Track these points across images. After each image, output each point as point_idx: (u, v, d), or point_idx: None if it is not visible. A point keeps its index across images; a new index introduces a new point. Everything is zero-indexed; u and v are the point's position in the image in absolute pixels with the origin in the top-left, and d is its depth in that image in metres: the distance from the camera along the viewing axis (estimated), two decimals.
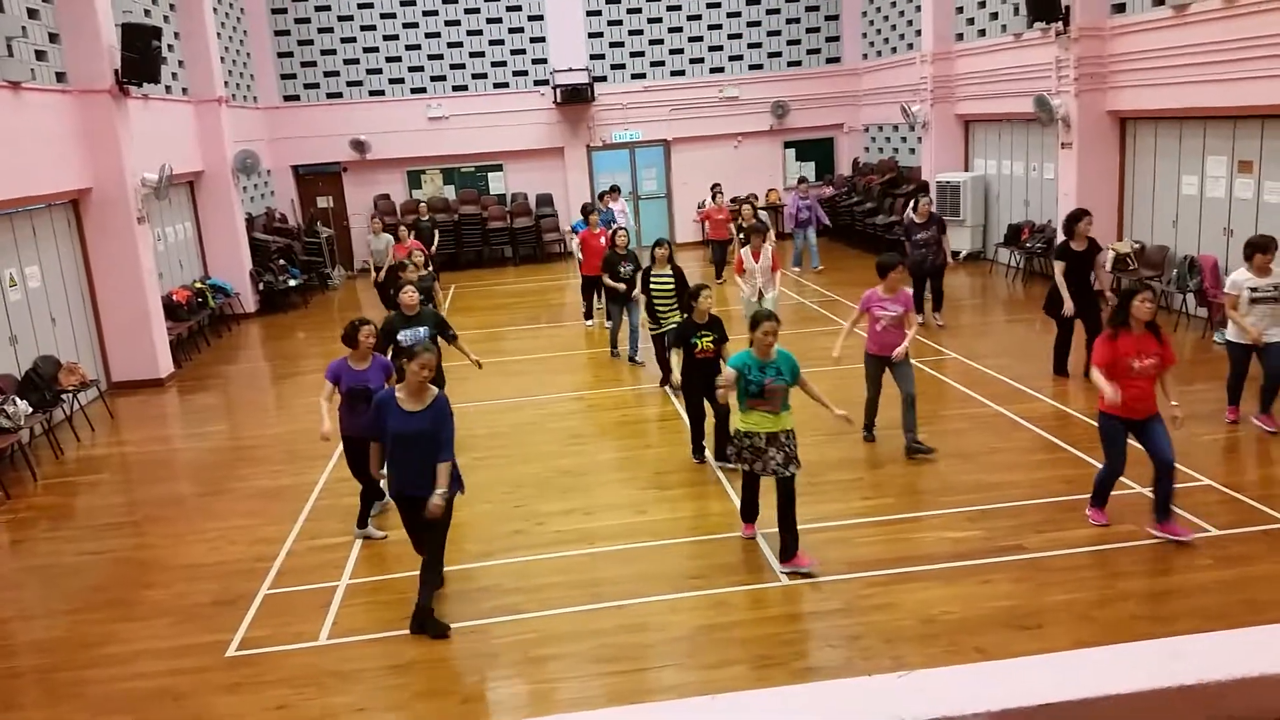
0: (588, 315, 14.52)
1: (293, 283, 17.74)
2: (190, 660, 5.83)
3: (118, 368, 12.60)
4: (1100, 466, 6.74)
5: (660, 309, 10.17)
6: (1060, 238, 10.51)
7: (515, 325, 15.09)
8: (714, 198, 17.51)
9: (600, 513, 7.57)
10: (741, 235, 13.47)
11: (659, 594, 6.22)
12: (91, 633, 6.28)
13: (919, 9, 18.44)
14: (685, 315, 8.36)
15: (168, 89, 15.08)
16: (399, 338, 8.01)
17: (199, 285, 15.56)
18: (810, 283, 16.35)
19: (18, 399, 9.61)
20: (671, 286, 10.12)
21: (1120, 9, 13.01)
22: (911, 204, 13.22)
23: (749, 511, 6.83)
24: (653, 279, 10.26)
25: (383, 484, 7.03)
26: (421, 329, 8.05)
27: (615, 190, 17.57)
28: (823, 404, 6.58)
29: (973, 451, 8.31)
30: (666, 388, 10.41)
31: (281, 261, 17.95)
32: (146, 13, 14.59)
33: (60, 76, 11.75)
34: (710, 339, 8.03)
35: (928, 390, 9.72)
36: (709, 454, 8.48)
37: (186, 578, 6.99)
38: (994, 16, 16.34)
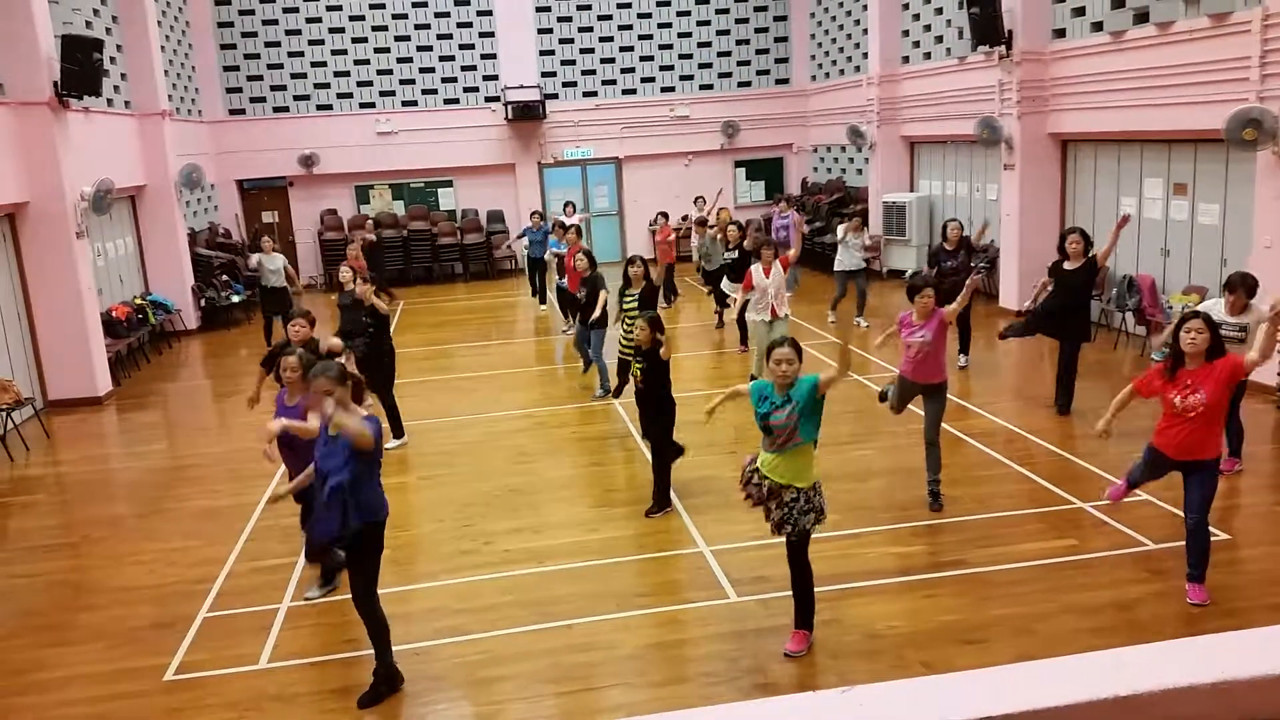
0: (542, 299, 14.31)
1: (236, 299, 17.47)
2: (127, 685, 5.68)
3: (54, 385, 12.29)
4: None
5: (632, 328, 9.56)
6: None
7: (465, 342, 14.99)
8: (657, 219, 17.44)
9: (549, 531, 7.52)
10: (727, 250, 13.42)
11: (608, 612, 6.19)
12: (22, 658, 6.08)
13: (865, 32, 18.75)
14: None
15: (110, 102, 14.81)
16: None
17: (139, 301, 15.26)
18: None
19: None
20: (635, 309, 9.59)
21: (1061, 34, 13.34)
22: (941, 229, 11.78)
23: (803, 613, 5.72)
24: (625, 298, 9.84)
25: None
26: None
27: (570, 206, 17.64)
28: (846, 361, 5.56)
29: (916, 468, 8.37)
30: (614, 399, 10.34)
31: (225, 277, 17.67)
32: (88, 24, 14.34)
33: None
34: (641, 366, 7.61)
35: (870, 407, 9.80)
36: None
37: (124, 600, 6.81)
38: (939, 40, 16.66)
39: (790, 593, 5.64)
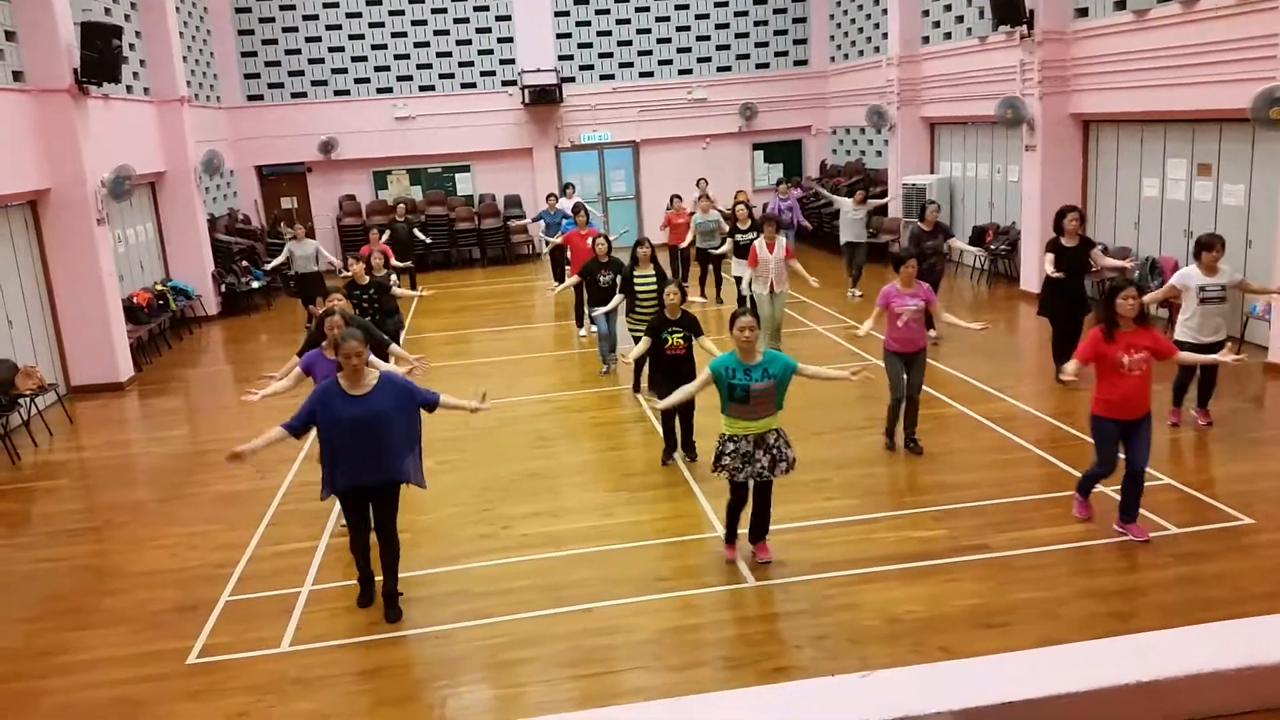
0: (579, 322, 13.81)
1: (255, 285, 17.55)
2: (150, 668, 5.74)
3: (77, 371, 12.39)
4: (1091, 466, 6.67)
5: (643, 310, 9.93)
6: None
7: (483, 327, 15.01)
8: (671, 202, 17.40)
9: (568, 516, 7.54)
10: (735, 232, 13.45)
11: (626, 597, 6.20)
12: (47, 642, 6.16)
13: (885, 12, 18.58)
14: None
15: (129, 89, 14.87)
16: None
17: (160, 287, 15.35)
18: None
19: None
20: (654, 286, 9.88)
21: (1083, 13, 13.17)
22: (919, 211, 12.95)
23: (731, 533, 6.54)
24: (635, 279, 10.08)
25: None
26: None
27: (570, 188, 17.83)
28: (835, 378, 6.51)
29: (937, 452, 8.36)
30: (638, 395, 10.33)
31: (244, 263, 17.76)
32: (107, 11, 14.37)
33: (18, 76, 11.54)
34: (680, 335, 8.03)
35: (886, 392, 9.75)
36: (678, 455, 8.49)
37: (146, 584, 6.88)
38: (959, 20, 16.49)
39: (802, 577, 5.64)
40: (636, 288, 10.06)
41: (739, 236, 13.42)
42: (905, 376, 8.20)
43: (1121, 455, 6.45)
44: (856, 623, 5.69)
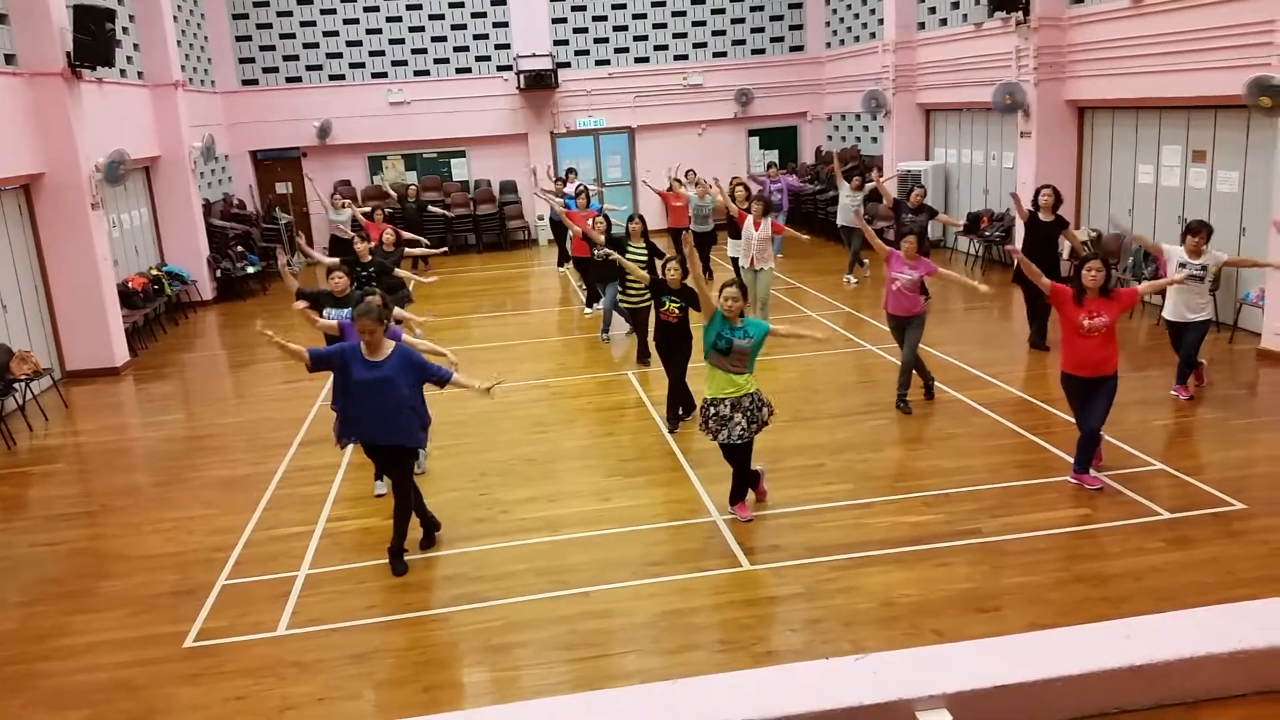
0: (588, 303, 14.15)
1: (251, 270, 17.52)
2: (148, 651, 5.76)
3: (72, 356, 12.38)
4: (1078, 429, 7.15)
5: (634, 285, 10.43)
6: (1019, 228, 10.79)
7: (480, 313, 15.01)
8: (670, 186, 17.41)
9: (564, 500, 7.57)
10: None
11: (622, 580, 6.24)
12: (45, 625, 6.18)
13: None
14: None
15: (123, 73, 14.80)
16: (325, 311, 7.94)
17: (155, 272, 15.31)
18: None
19: None
20: (645, 260, 10.32)
21: (1079, 0, 13.15)
22: (908, 189, 13.89)
23: (739, 490, 6.97)
24: (627, 252, 10.40)
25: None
26: (345, 310, 7.93)
27: (571, 173, 18.12)
28: (802, 335, 7.20)
29: (930, 437, 8.41)
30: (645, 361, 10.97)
31: (239, 248, 17.71)
32: None
33: (10, 59, 11.48)
34: (677, 305, 8.51)
35: (886, 377, 9.82)
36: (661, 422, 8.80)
37: (143, 568, 6.90)
38: (955, 5, 16.46)
39: (797, 561, 5.67)
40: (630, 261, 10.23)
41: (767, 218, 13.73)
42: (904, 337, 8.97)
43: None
44: (851, 606, 5.74)
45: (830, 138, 22.39)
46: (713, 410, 6.61)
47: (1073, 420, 7.42)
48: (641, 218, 10.90)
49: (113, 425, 10.63)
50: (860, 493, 7.32)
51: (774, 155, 22.70)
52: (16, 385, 10.46)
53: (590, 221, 11.82)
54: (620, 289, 10.90)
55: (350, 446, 7.82)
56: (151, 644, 5.84)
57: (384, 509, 7.53)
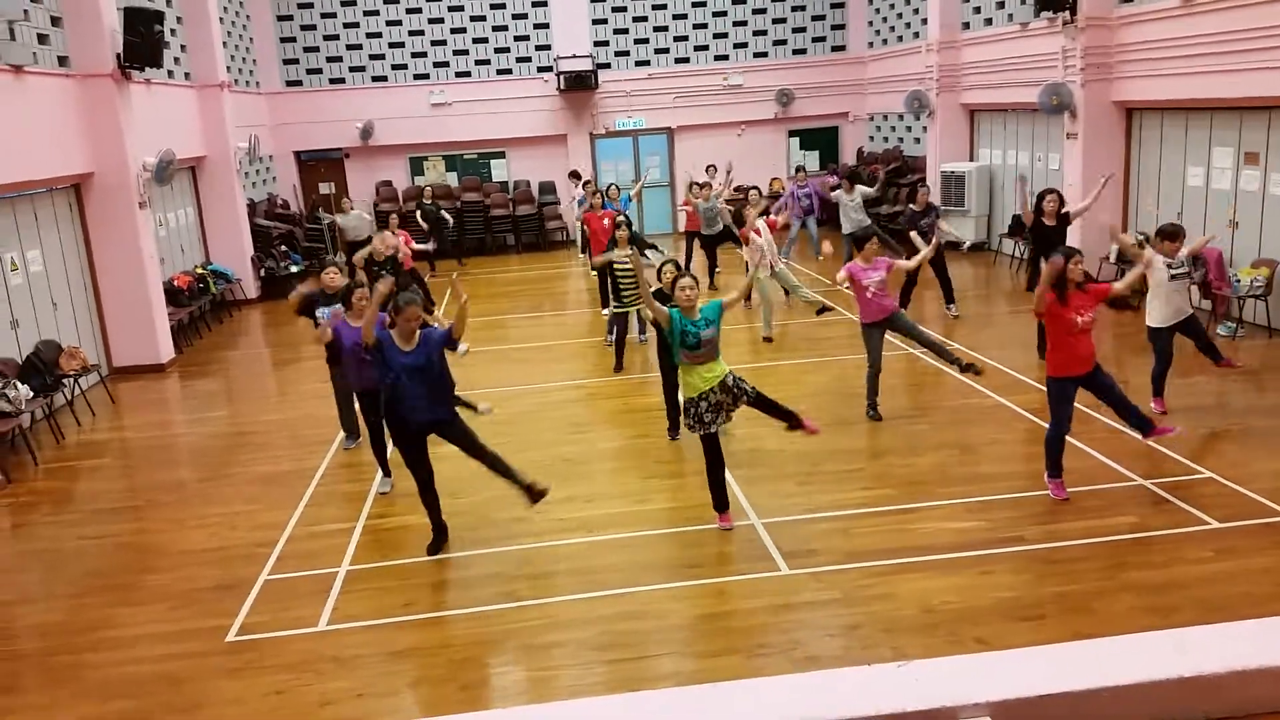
0: (604, 304, 14.00)
1: (294, 269, 17.72)
2: (190, 645, 5.84)
3: (119, 352, 12.60)
4: (1049, 432, 7.02)
5: (624, 288, 10.63)
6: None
7: (518, 313, 15.07)
8: (690, 188, 17.25)
9: (601, 501, 7.57)
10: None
11: (658, 582, 6.22)
12: (91, 617, 6.29)
13: None
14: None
15: (170, 74, 15.04)
16: (317, 312, 8.42)
17: (200, 271, 15.55)
18: (814, 271, 16.29)
19: (19, 383, 9.60)
20: (631, 267, 10.24)
21: None
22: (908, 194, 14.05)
23: (720, 499, 6.91)
24: (615, 259, 10.68)
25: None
26: (339, 305, 8.16)
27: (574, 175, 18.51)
28: (746, 287, 7.55)
29: (974, 443, 8.30)
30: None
31: (283, 248, 17.94)
32: None
33: (62, 60, 11.71)
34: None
35: (927, 380, 9.71)
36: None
37: (187, 563, 6.99)
38: (1000, 5, 16.26)
39: (836, 566, 5.62)
40: (616, 267, 10.67)
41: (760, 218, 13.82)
42: (883, 348, 8.87)
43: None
44: (890, 613, 5.67)
45: (872, 138, 22.22)
46: (703, 404, 6.62)
47: (1127, 428, 7.27)
48: (628, 223, 11.17)
49: (158, 421, 10.80)
50: (900, 498, 7.24)
51: (814, 156, 22.58)
52: (65, 381, 10.66)
53: (606, 222, 11.98)
54: (614, 292, 11.03)
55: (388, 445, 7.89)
56: (194, 637, 5.92)
57: (422, 506, 7.58)
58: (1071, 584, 5.88)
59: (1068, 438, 7.06)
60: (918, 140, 19.81)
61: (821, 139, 22.67)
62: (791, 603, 5.89)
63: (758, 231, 11.71)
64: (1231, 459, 7.69)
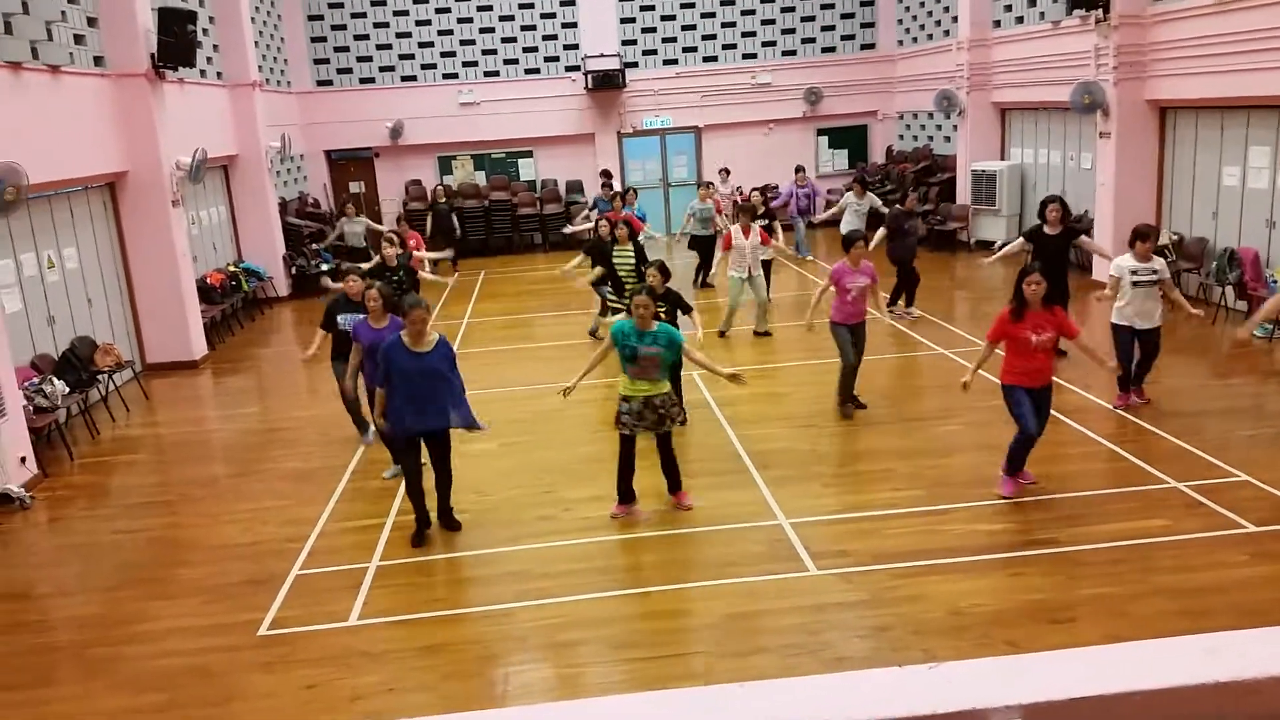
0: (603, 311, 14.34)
1: (325, 267, 17.86)
2: (222, 639, 5.90)
3: (152, 349, 12.76)
4: (1014, 438, 7.06)
5: (625, 285, 10.88)
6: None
7: (544, 312, 15.10)
8: (708, 187, 17.11)
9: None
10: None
11: (686, 581, 6.22)
12: (126, 610, 6.37)
13: None
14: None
15: (203, 73, 15.20)
16: (338, 319, 8.58)
17: (233, 268, 15.71)
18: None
19: (55, 379, 9.75)
20: (632, 264, 10.82)
21: None
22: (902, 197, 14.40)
23: (623, 492, 7.19)
24: (615, 255, 10.94)
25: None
26: (361, 314, 8.20)
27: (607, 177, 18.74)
28: (712, 369, 7.18)
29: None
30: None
31: (314, 246, 18.08)
32: None
33: (98, 60, 11.87)
34: (664, 309, 8.40)
35: (956, 381, 9.61)
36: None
37: (219, 557, 7.07)
38: (1032, 3, 16.12)
39: (865, 567, 5.60)
40: (616, 264, 11.00)
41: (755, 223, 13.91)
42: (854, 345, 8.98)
43: None
44: (920, 615, 5.64)
45: (901, 137, 22.09)
46: (625, 406, 6.92)
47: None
48: (627, 223, 11.45)
49: (191, 417, 10.93)
50: (930, 499, 7.20)
51: (843, 155, 22.49)
52: (100, 377, 10.80)
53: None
54: (612, 289, 11.25)
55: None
56: (226, 631, 5.98)
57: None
58: (1103, 587, 5.82)
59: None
60: (948, 139, 19.67)
61: (850, 137, 22.56)
62: (820, 603, 5.87)
63: (744, 233, 11.83)
64: (1267, 462, 7.58)
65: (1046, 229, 10.04)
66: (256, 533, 7.46)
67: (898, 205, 13.18)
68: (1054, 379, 8.95)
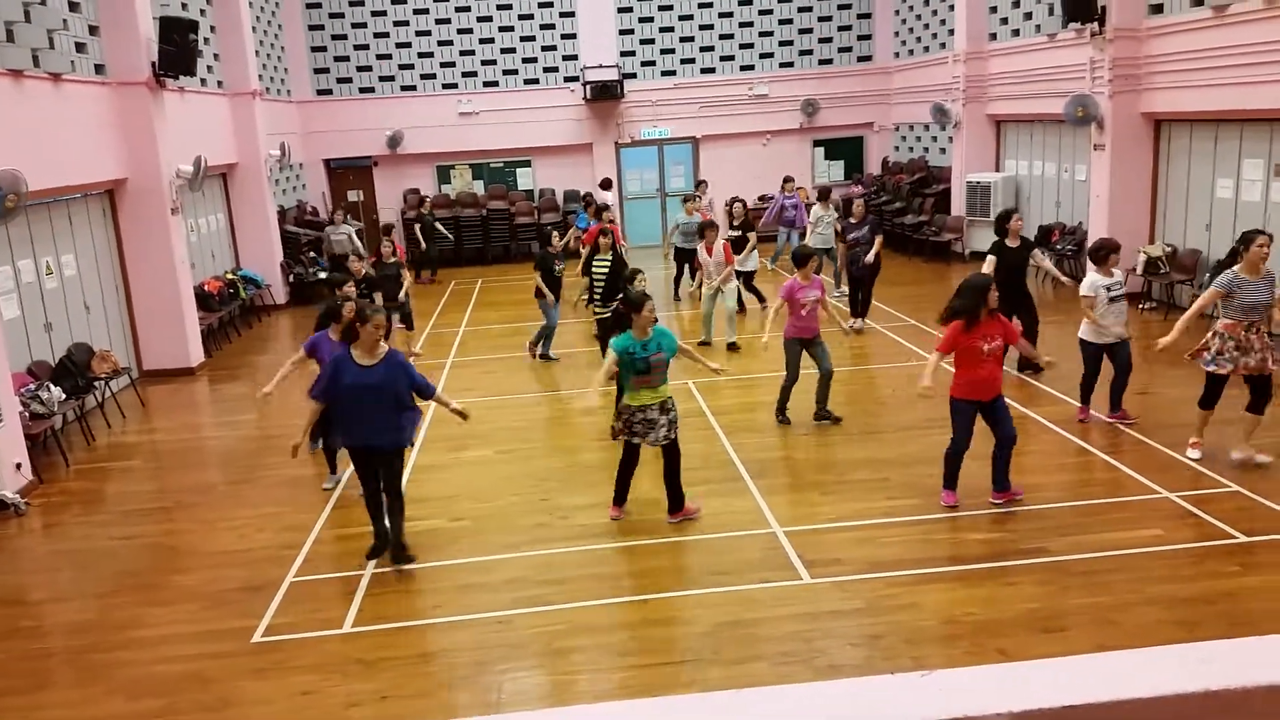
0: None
1: (323, 275, 17.87)
2: (217, 645, 5.91)
3: (149, 356, 12.77)
4: (949, 448, 7.19)
5: (599, 292, 10.93)
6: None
7: (540, 320, 15.09)
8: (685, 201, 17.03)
9: (624, 507, 7.58)
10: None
11: (682, 589, 6.24)
12: (122, 616, 6.38)
13: (952, 8, 18.32)
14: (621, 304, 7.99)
15: (203, 82, 15.24)
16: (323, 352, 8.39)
17: (230, 276, 15.73)
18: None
19: (51, 385, 9.76)
20: (607, 272, 10.83)
21: (1158, 9, 12.87)
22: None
23: (620, 495, 7.28)
24: (595, 264, 11.01)
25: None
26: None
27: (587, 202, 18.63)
28: (700, 361, 7.46)
29: None
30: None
31: (312, 254, 18.11)
32: (184, 5, 14.76)
33: (99, 68, 11.91)
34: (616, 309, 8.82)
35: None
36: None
37: (215, 564, 7.08)
38: (1028, 16, 16.22)
39: (859, 575, 5.62)
40: (594, 272, 11.02)
41: (730, 234, 14.17)
42: (801, 361, 9.03)
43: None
44: (913, 623, 5.67)
45: (897, 148, 22.19)
46: (640, 416, 6.88)
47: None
48: (609, 230, 11.52)
49: (187, 424, 10.94)
50: (925, 508, 7.23)
51: (839, 166, 22.58)
52: (97, 383, 10.81)
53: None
54: (590, 297, 11.30)
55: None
56: (222, 638, 5.99)
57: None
58: (1095, 596, 5.85)
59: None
60: (943, 150, 19.77)
61: (847, 149, 22.65)
62: (814, 611, 5.89)
63: (708, 250, 12.08)
64: (1259, 472, 7.62)
65: (1008, 241, 10.15)
66: (252, 539, 7.47)
67: (849, 219, 13.11)
68: (1039, 387, 8.96)
